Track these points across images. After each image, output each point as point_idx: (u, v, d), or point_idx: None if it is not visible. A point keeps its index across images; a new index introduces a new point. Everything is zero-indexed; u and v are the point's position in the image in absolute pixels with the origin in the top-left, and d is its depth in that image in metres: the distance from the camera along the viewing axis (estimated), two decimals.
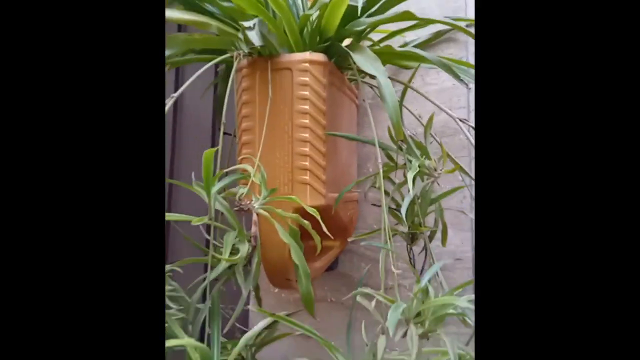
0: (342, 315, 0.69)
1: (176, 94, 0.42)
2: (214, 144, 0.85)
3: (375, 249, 0.69)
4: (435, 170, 0.49)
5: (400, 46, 0.67)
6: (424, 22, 0.63)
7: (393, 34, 0.63)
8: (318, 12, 0.50)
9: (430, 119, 0.51)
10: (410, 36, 0.67)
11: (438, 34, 0.67)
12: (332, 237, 0.53)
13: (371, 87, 0.60)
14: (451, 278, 0.62)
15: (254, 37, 0.40)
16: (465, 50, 0.66)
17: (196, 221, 0.39)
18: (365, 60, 0.44)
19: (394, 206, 0.53)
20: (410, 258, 0.53)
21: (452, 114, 0.55)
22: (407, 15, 0.44)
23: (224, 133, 0.74)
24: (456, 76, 0.47)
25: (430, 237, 0.51)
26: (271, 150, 0.49)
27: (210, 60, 0.52)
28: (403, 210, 0.45)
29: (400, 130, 0.42)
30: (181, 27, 0.87)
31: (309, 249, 0.50)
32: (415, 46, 0.67)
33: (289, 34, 0.51)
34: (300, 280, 0.44)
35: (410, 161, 0.48)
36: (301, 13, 0.56)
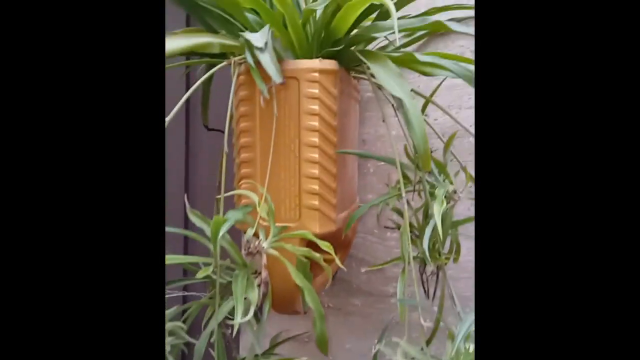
0: (340, 320, 0.67)
1: (172, 111, 0.35)
2: (187, 138, 0.78)
3: (374, 254, 0.65)
4: (455, 192, 0.45)
5: (407, 35, 0.61)
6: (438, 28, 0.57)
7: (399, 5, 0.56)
8: (323, 7, 0.43)
9: (451, 138, 0.46)
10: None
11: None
12: (340, 262, 0.49)
13: (379, 88, 0.54)
14: (457, 287, 0.60)
15: (269, 66, 0.33)
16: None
17: (202, 274, 0.34)
18: (387, 76, 0.38)
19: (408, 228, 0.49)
20: (422, 282, 0.50)
21: (462, 123, 0.50)
22: (438, 26, 0.38)
23: (211, 129, 0.67)
24: None
25: (446, 260, 0.48)
26: (275, 170, 0.44)
27: (203, 64, 0.44)
28: (425, 243, 0.41)
29: (428, 160, 0.37)
30: None
31: (312, 264, 0.46)
32: (424, 35, 0.61)
33: (291, 31, 0.44)
34: (315, 323, 0.40)
35: (431, 185, 0.43)
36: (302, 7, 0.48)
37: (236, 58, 0.40)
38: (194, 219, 0.41)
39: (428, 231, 0.41)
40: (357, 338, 0.67)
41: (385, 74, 0.39)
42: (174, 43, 0.30)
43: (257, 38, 0.34)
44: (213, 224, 0.33)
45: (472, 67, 0.39)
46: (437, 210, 0.39)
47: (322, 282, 0.56)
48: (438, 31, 0.39)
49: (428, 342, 0.48)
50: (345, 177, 0.50)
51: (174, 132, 0.77)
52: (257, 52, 0.33)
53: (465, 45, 0.61)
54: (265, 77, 0.37)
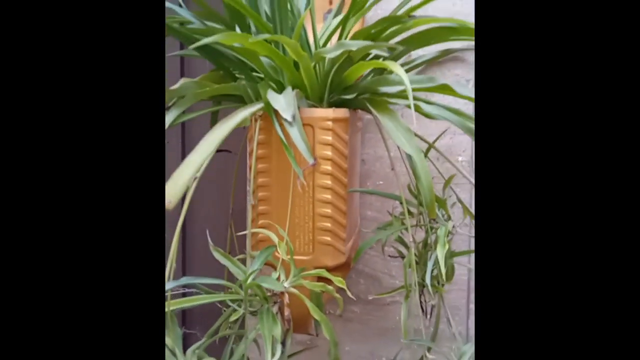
0: (339, 328, 0.72)
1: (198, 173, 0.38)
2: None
3: (373, 266, 0.70)
4: (454, 227, 0.50)
5: (405, 63, 0.64)
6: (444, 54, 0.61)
7: (400, 54, 0.59)
8: (334, 54, 0.46)
9: (450, 178, 0.50)
10: (418, 52, 0.64)
11: (446, 52, 0.64)
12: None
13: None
14: (448, 299, 0.66)
15: (300, 143, 0.36)
16: (472, 72, 0.64)
17: (235, 316, 0.38)
18: (397, 131, 0.42)
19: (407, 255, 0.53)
20: (421, 303, 0.55)
21: (457, 147, 0.55)
22: (444, 88, 0.42)
23: (220, 151, 0.70)
24: None
25: (444, 290, 0.53)
26: (290, 209, 0.47)
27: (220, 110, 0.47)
28: (428, 278, 0.46)
29: (434, 209, 0.42)
30: (183, 61, 0.77)
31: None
32: (421, 64, 0.64)
33: (303, 75, 0.47)
34: (330, 350, 0.45)
35: (431, 227, 0.48)
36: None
37: (256, 109, 0.42)
38: (218, 256, 0.44)
39: (430, 265, 0.46)
40: (356, 342, 0.72)
41: (394, 128, 0.42)
42: (220, 132, 0.33)
43: (284, 107, 0.37)
44: (245, 286, 0.37)
45: (470, 124, 0.43)
46: (440, 252, 0.43)
47: (326, 298, 0.61)
48: (445, 93, 0.43)
49: None
50: (352, 208, 0.55)
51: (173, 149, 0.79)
52: (286, 125, 0.36)
53: (460, 74, 0.65)
54: (285, 133, 0.40)
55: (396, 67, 0.37)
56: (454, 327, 0.51)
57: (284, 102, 0.38)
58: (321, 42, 0.56)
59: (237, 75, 0.50)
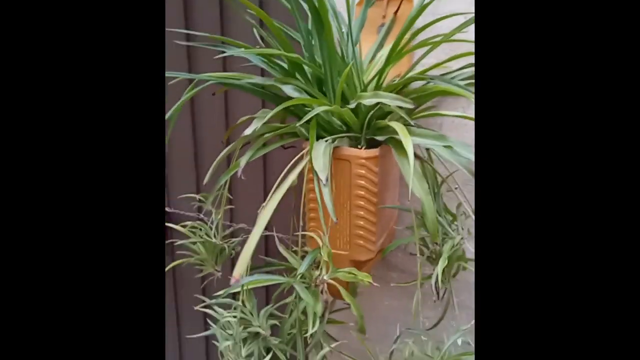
0: (381, 289, 0.91)
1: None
2: None
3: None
4: (462, 238, 0.63)
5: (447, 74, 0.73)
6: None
7: (424, 77, 0.68)
8: (369, 102, 0.58)
9: (459, 205, 0.62)
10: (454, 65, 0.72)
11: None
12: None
13: None
14: (460, 275, 0.80)
15: (329, 203, 0.51)
16: None
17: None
18: (416, 179, 0.55)
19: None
20: (437, 289, 0.70)
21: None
22: (449, 148, 0.53)
23: (288, 147, 0.86)
24: None
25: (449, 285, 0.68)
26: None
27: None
28: (433, 280, 0.61)
29: (436, 235, 0.55)
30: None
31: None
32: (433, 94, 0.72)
33: (346, 117, 0.60)
34: (358, 320, 0.63)
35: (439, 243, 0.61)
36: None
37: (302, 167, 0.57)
38: (282, 251, 0.63)
39: (436, 270, 0.61)
40: (393, 298, 0.91)
41: (409, 172, 0.55)
42: (274, 201, 0.49)
43: (321, 169, 0.51)
44: (298, 274, 0.55)
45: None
46: (440, 265, 0.57)
47: (368, 269, 0.79)
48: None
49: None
50: (382, 216, 0.69)
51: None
52: (321, 184, 0.51)
53: (465, 106, 0.73)
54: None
55: (408, 143, 0.49)
56: (456, 309, 0.66)
57: (321, 164, 0.52)
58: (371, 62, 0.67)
59: (293, 110, 0.65)
